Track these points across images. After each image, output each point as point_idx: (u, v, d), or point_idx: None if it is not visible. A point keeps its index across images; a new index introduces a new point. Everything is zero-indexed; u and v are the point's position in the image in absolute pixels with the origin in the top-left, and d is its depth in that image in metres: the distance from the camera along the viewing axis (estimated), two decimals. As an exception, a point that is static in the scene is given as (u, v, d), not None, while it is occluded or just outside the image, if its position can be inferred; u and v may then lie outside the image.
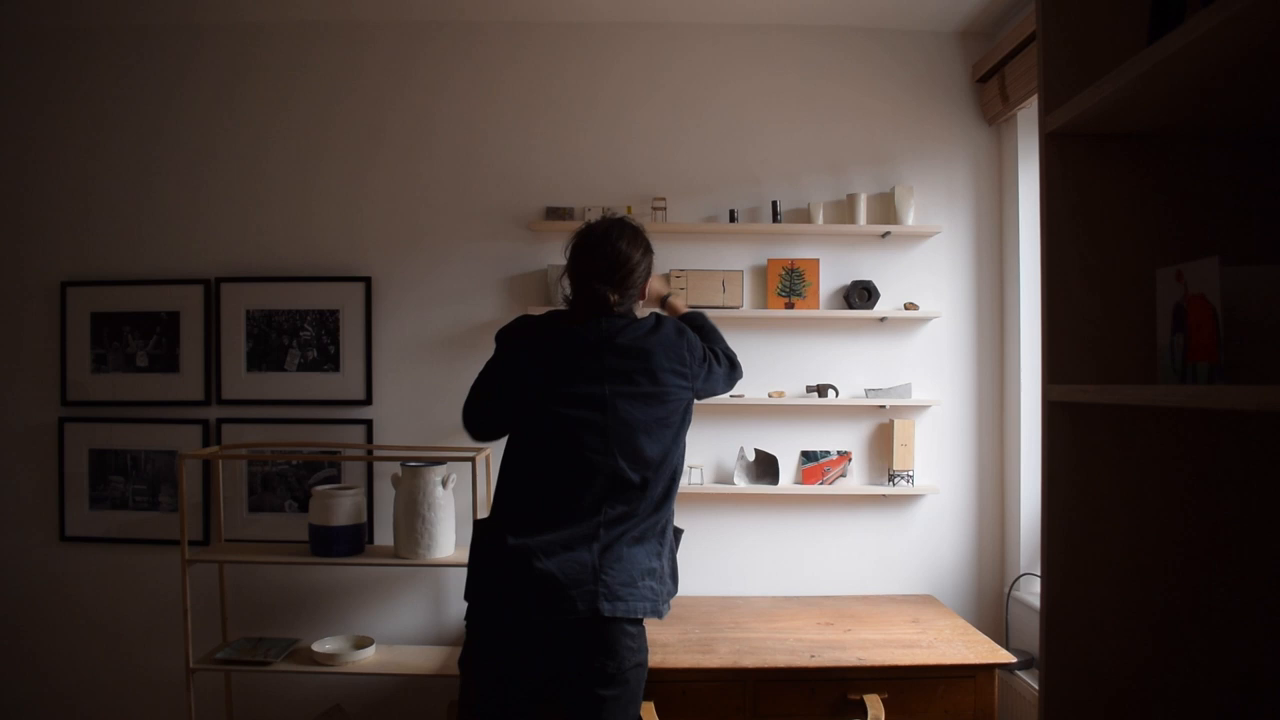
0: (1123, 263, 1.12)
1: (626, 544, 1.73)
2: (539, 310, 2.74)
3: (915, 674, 2.25)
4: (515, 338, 1.86)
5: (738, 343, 2.83)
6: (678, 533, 1.91)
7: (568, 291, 1.89)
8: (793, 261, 2.84)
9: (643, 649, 1.75)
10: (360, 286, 2.87)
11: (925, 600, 2.80)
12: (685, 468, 2.80)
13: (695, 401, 1.90)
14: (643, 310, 1.96)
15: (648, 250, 1.91)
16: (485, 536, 1.78)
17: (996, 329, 2.90)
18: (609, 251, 1.82)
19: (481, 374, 1.88)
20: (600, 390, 1.74)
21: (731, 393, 2.81)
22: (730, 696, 2.25)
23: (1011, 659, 2.35)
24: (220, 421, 2.88)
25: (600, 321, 1.80)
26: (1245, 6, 0.75)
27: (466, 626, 1.77)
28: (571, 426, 1.73)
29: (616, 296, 1.81)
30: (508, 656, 1.70)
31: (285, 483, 2.88)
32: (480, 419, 1.88)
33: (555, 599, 1.65)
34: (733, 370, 2.07)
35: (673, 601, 2.69)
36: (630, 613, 1.69)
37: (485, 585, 1.74)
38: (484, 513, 2.65)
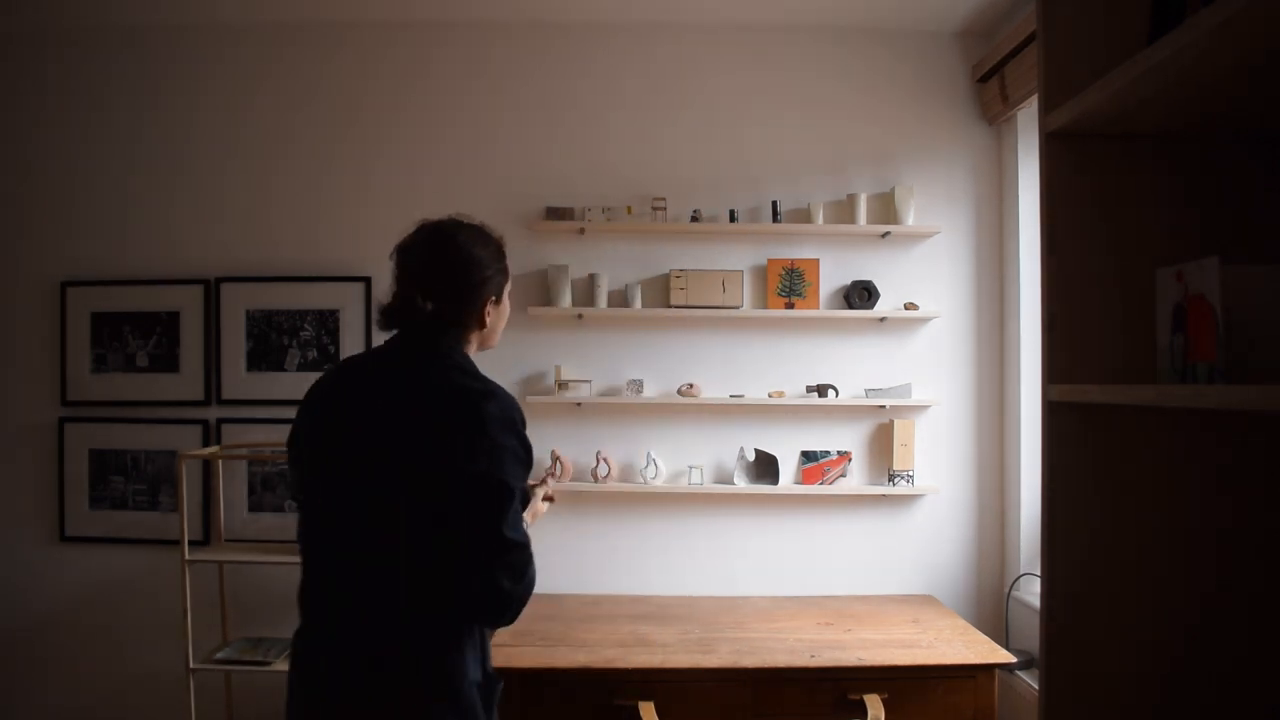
0: (1123, 263, 1.12)
1: None
2: (540, 310, 2.77)
3: (915, 674, 2.25)
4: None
5: (739, 343, 2.87)
6: None
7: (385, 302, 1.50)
8: (793, 261, 2.84)
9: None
10: (360, 286, 2.86)
11: (925, 600, 2.80)
12: (685, 467, 2.84)
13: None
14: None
15: (500, 258, 1.52)
16: None
17: (996, 329, 2.90)
18: (447, 249, 1.45)
19: None
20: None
21: (731, 392, 2.84)
22: (730, 696, 2.25)
23: (1011, 659, 2.35)
24: (220, 421, 2.88)
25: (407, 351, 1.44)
26: (1245, 6, 0.75)
27: None
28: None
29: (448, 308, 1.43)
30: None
31: (285, 483, 2.88)
32: None
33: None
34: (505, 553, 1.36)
35: (673, 601, 2.70)
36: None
37: None
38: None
